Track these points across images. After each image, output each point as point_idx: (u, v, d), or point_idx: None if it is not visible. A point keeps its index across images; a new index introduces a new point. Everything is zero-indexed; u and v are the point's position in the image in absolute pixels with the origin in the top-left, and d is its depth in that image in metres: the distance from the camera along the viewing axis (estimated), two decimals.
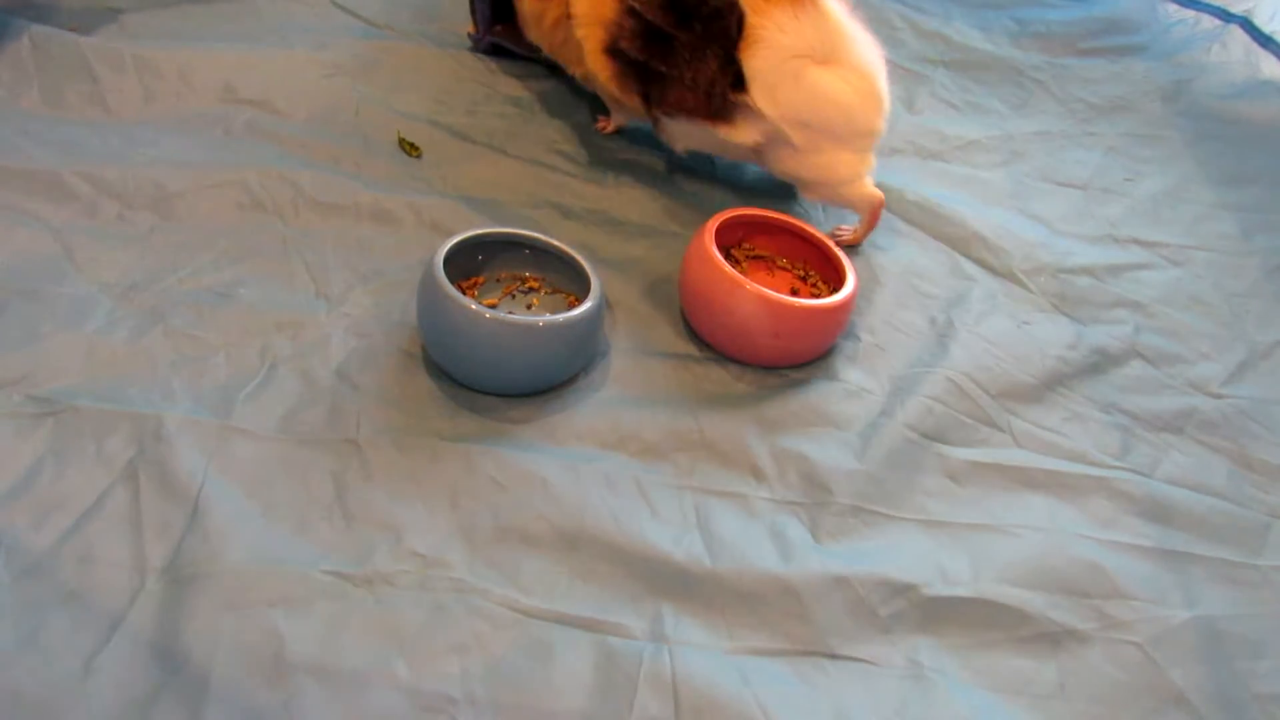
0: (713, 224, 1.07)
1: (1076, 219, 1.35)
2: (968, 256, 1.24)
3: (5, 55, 1.22)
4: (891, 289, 1.17)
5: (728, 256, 1.11)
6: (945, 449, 0.98)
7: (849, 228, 1.23)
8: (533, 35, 1.35)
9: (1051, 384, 1.07)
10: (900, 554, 0.87)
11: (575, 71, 1.30)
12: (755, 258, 1.15)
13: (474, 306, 0.89)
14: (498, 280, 1.05)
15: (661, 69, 1.12)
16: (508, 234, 1.03)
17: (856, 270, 1.08)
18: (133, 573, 0.75)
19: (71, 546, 0.76)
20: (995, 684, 0.79)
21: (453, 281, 0.92)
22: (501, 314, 0.90)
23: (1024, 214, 1.34)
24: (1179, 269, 1.28)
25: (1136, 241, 1.32)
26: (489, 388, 0.94)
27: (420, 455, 0.88)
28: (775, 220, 1.14)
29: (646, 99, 1.17)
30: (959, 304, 1.16)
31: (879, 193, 1.20)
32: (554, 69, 1.41)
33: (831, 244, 1.11)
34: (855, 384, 1.04)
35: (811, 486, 0.92)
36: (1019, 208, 1.35)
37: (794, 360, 1.04)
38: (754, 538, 0.86)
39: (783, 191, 1.29)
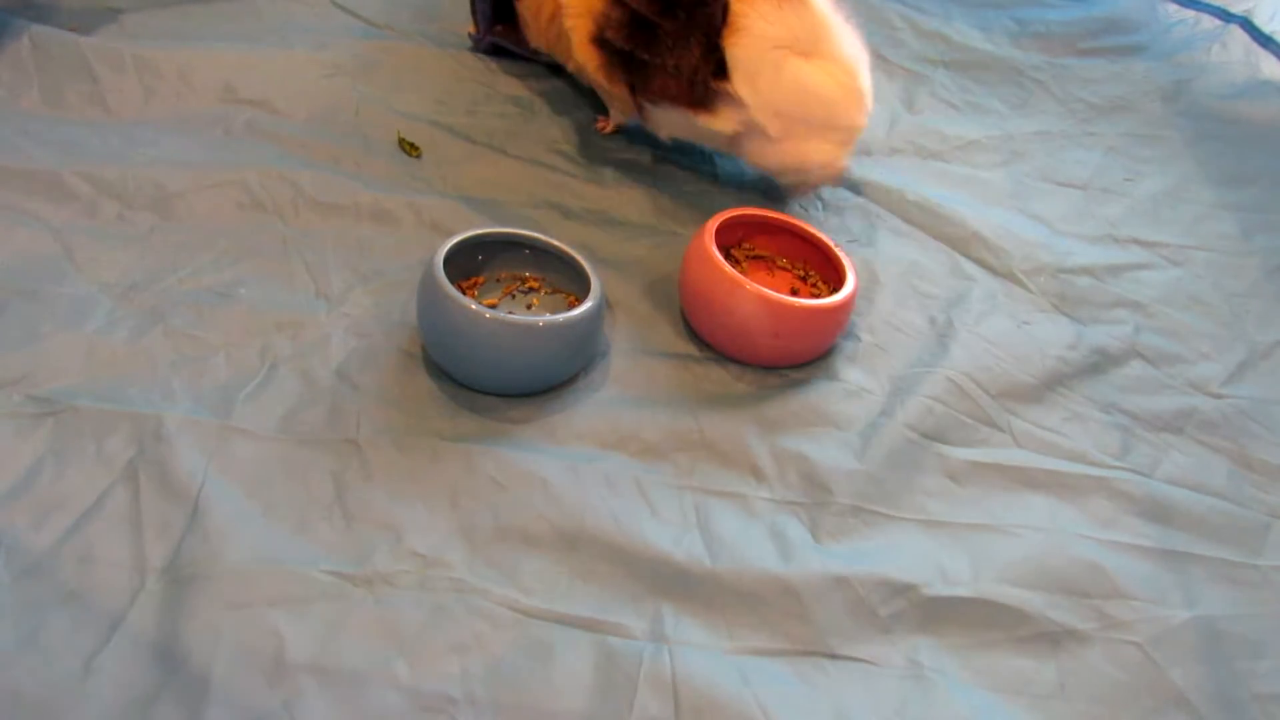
0: (713, 224, 1.07)
1: (1076, 219, 1.35)
2: (968, 256, 1.24)
3: (5, 55, 1.22)
4: (891, 289, 1.17)
5: (728, 256, 1.11)
6: (945, 449, 0.98)
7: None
8: (531, 33, 1.36)
9: (1051, 384, 1.07)
10: (900, 554, 0.87)
11: (571, 67, 1.30)
12: (755, 258, 1.15)
13: (474, 306, 0.89)
14: (498, 280, 1.05)
15: (645, 57, 1.13)
16: (508, 234, 1.03)
17: (856, 270, 1.08)
18: (133, 573, 0.75)
19: (71, 546, 0.76)
20: (995, 684, 0.79)
21: (453, 281, 0.92)
22: (501, 314, 0.90)
23: (1024, 214, 1.34)
24: (1179, 269, 1.28)
25: (1136, 241, 1.32)
26: (489, 388, 0.94)
27: (420, 455, 0.88)
28: (775, 220, 1.14)
29: (632, 89, 1.18)
30: (959, 304, 1.16)
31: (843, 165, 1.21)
32: (554, 69, 1.41)
33: (831, 244, 1.11)
34: (855, 384, 1.04)
35: (811, 486, 0.92)
36: (1019, 208, 1.35)
37: (794, 360, 1.04)
38: (754, 538, 0.86)
39: (782, 191, 1.29)
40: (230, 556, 0.77)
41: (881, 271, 1.19)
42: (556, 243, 1.03)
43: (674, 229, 1.21)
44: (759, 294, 0.99)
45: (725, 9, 1.09)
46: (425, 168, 1.22)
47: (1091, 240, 1.31)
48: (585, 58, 1.19)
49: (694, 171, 1.30)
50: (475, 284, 1.04)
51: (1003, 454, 0.98)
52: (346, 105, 1.29)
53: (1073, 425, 1.03)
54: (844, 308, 1.04)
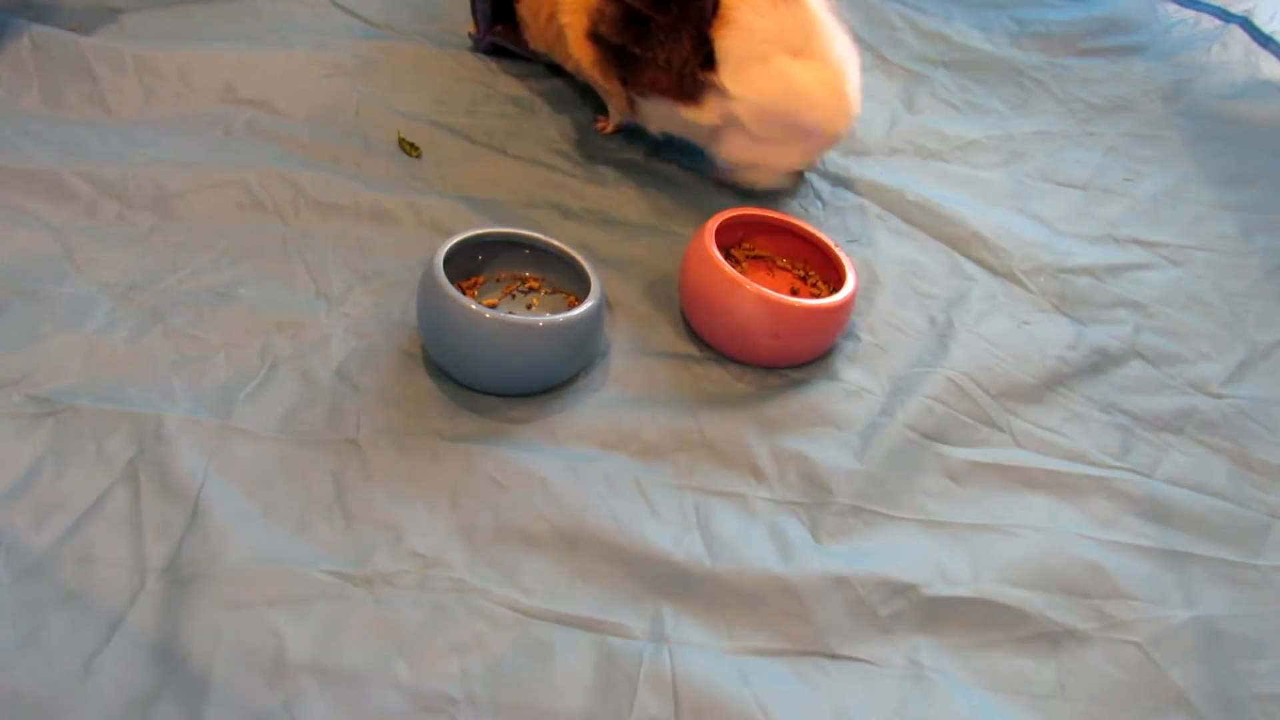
0: (713, 224, 1.07)
1: (1076, 219, 1.35)
2: (968, 256, 1.24)
3: (5, 55, 1.22)
4: (891, 289, 1.17)
5: (728, 256, 1.11)
6: (945, 449, 0.98)
7: None
8: (531, 34, 1.36)
9: (1051, 384, 1.07)
10: (900, 554, 0.87)
11: (570, 66, 1.30)
12: (755, 258, 1.15)
13: (474, 306, 0.89)
14: (498, 280, 1.05)
15: (638, 52, 1.13)
16: (508, 234, 1.03)
17: (856, 270, 1.08)
18: (133, 573, 0.75)
19: (71, 546, 0.76)
20: (995, 684, 0.79)
21: (453, 281, 0.92)
22: (501, 314, 0.90)
23: (1024, 214, 1.34)
24: (1179, 269, 1.28)
25: (1136, 241, 1.32)
26: (489, 388, 0.94)
27: (420, 455, 0.88)
28: (775, 220, 1.14)
29: (625, 83, 1.19)
30: (959, 304, 1.16)
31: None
32: (554, 69, 1.41)
33: (831, 244, 1.11)
34: (855, 384, 1.04)
35: (811, 486, 0.92)
36: (1019, 208, 1.35)
37: (794, 360, 1.04)
38: (754, 538, 0.86)
39: (783, 191, 1.29)
40: (230, 556, 0.77)
41: (881, 271, 1.19)
42: (556, 243, 1.03)
43: (674, 229, 1.21)
44: (759, 294, 0.99)
45: (717, 1, 1.09)
46: (425, 168, 1.22)
47: (1091, 240, 1.31)
48: (580, 54, 1.20)
49: (694, 171, 1.30)
50: (475, 284, 1.04)
51: (1003, 454, 0.98)
52: (346, 105, 1.29)
53: (1073, 425, 1.03)
54: (844, 308, 1.04)
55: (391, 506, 0.83)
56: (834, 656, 0.79)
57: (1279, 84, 1.66)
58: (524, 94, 1.39)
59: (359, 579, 0.78)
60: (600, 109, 1.36)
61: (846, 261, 1.08)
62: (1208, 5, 1.84)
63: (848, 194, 1.32)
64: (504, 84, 1.40)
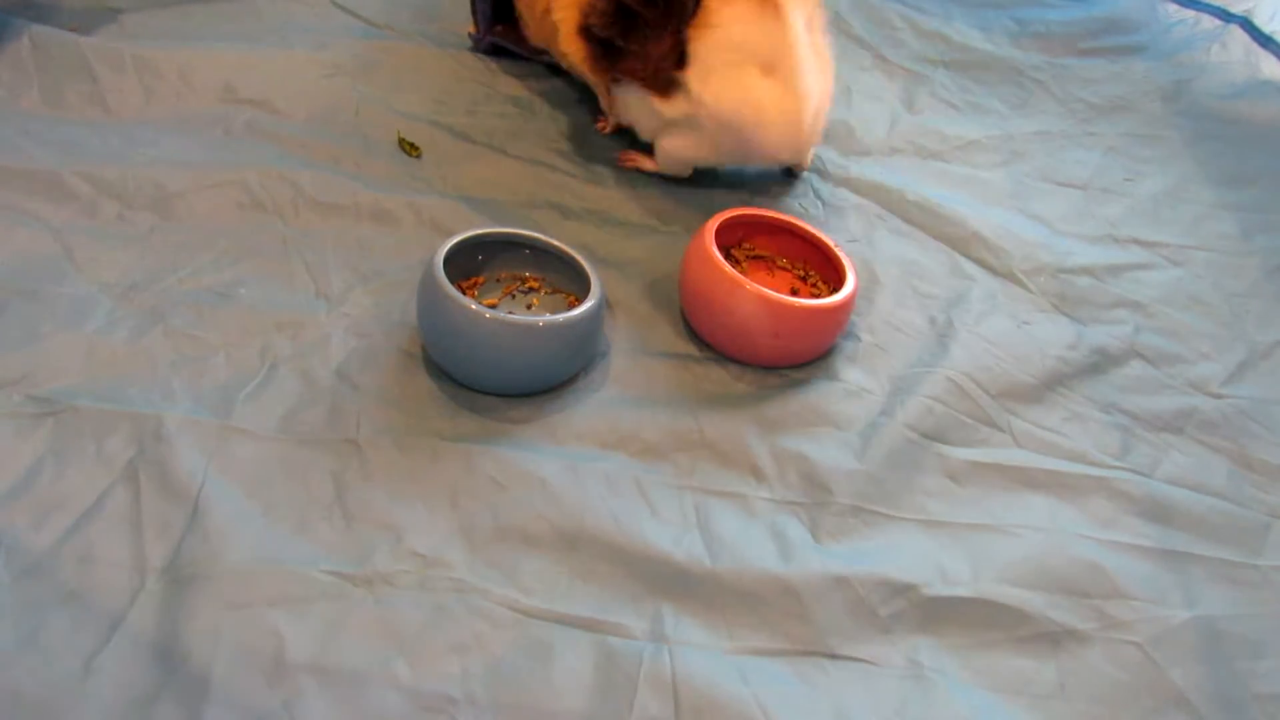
0: (713, 224, 1.07)
1: (1076, 219, 1.35)
2: (968, 256, 1.24)
3: (5, 55, 1.22)
4: (891, 289, 1.17)
5: (728, 256, 1.11)
6: (945, 449, 0.98)
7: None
8: (530, 32, 1.36)
9: (1051, 384, 1.07)
10: (900, 554, 0.87)
11: (566, 63, 1.31)
12: (755, 258, 1.15)
13: (474, 306, 0.89)
14: (498, 280, 1.05)
15: (623, 45, 1.15)
16: (508, 234, 1.03)
17: (856, 270, 1.08)
18: (133, 573, 0.75)
19: (71, 546, 0.76)
20: (995, 684, 0.79)
21: (453, 281, 0.92)
22: (501, 314, 0.90)
23: (1024, 214, 1.34)
24: (1179, 269, 1.28)
25: (1136, 241, 1.32)
26: (489, 388, 0.94)
27: (420, 455, 0.88)
28: (775, 220, 1.14)
29: (607, 72, 1.21)
30: (959, 304, 1.16)
31: None
32: (554, 69, 1.41)
33: (831, 244, 1.11)
34: (855, 384, 1.04)
35: (811, 486, 0.92)
36: (1019, 208, 1.35)
37: (794, 360, 1.04)
38: (754, 538, 0.86)
39: (783, 191, 1.29)
40: (230, 556, 0.77)
41: (881, 271, 1.19)
42: (556, 243, 1.03)
43: (674, 229, 1.21)
44: (759, 294, 0.99)
45: (698, 2, 1.11)
46: (425, 168, 1.22)
47: (1091, 240, 1.31)
48: (571, 49, 1.22)
49: (694, 171, 1.30)
50: (475, 284, 1.04)
51: (1003, 454, 0.98)
52: (346, 105, 1.29)
53: (1073, 425, 1.03)
54: (844, 308, 1.04)
55: (391, 506, 0.83)
56: (834, 656, 0.79)
57: (1279, 84, 1.66)
58: (524, 94, 1.39)
59: (359, 579, 0.78)
60: (600, 109, 1.36)
61: (846, 261, 1.08)
62: (1208, 5, 1.84)
63: (848, 194, 1.32)
64: (504, 84, 1.40)
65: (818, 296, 1.10)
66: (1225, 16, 1.80)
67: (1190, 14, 1.84)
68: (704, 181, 1.30)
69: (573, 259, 1.01)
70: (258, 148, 1.18)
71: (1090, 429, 1.03)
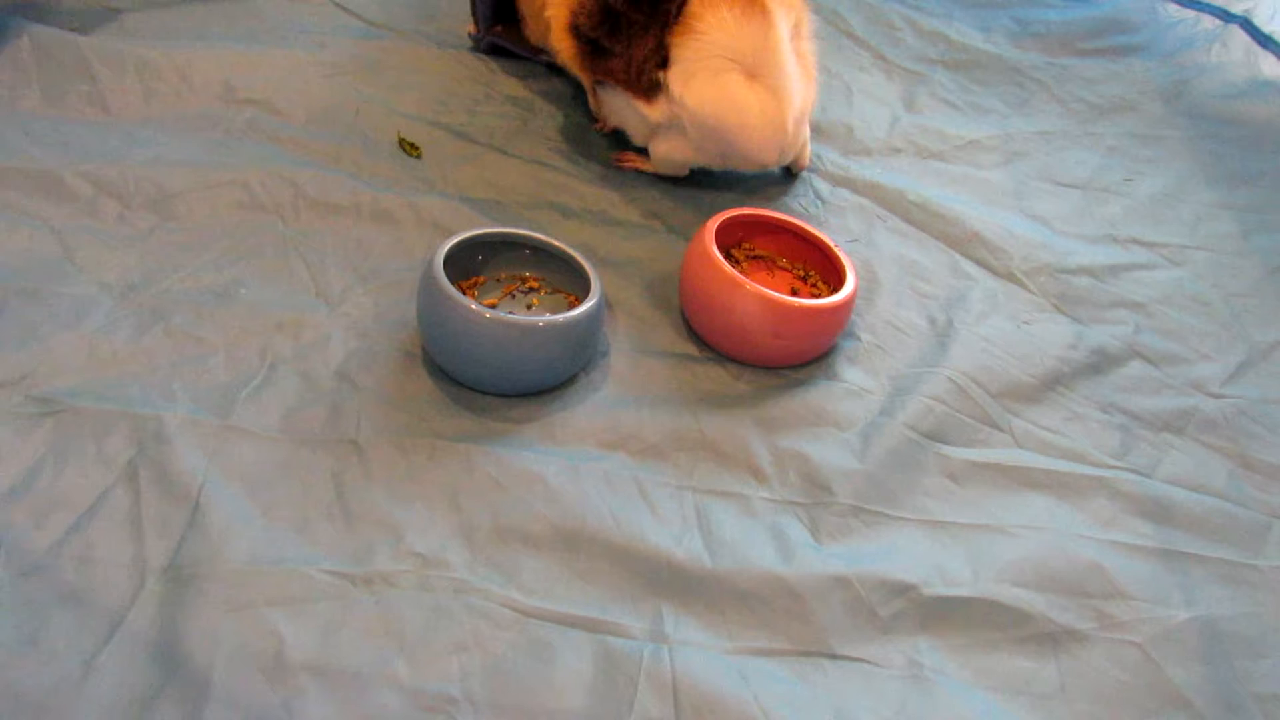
0: (713, 224, 1.07)
1: (1076, 219, 1.35)
2: (968, 256, 1.24)
3: (5, 55, 1.22)
4: (891, 289, 1.17)
5: (728, 256, 1.11)
6: (945, 449, 0.98)
7: None
8: (530, 30, 1.37)
9: (1051, 384, 1.07)
10: (900, 554, 0.87)
11: (559, 60, 1.31)
12: (755, 258, 1.15)
13: (474, 306, 0.89)
14: (498, 280, 1.05)
15: (608, 45, 1.16)
16: (508, 234, 1.03)
17: (856, 270, 1.08)
18: (133, 573, 0.75)
19: (71, 546, 0.76)
20: (995, 684, 0.79)
21: (453, 281, 0.92)
22: (501, 314, 0.90)
23: (1024, 214, 1.34)
24: (1179, 269, 1.28)
25: (1136, 241, 1.32)
26: (489, 388, 0.94)
27: (420, 455, 0.88)
28: (775, 220, 1.14)
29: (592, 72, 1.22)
30: (959, 304, 1.16)
31: None
32: (554, 69, 1.41)
33: (831, 244, 1.11)
34: (855, 384, 1.04)
35: (811, 486, 0.92)
36: (1019, 208, 1.35)
37: (794, 360, 1.04)
38: (754, 538, 0.86)
39: (782, 191, 1.29)
40: (230, 556, 0.77)
41: (881, 271, 1.19)
42: (556, 243, 1.03)
43: (674, 229, 1.21)
44: (759, 294, 0.99)
45: (681, 6, 1.11)
46: (425, 168, 1.22)
47: (1091, 240, 1.31)
48: (561, 46, 1.23)
49: (694, 172, 1.30)
50: (475, 284, 1.04)
51: (1003, 454, 0.98)
52: (346, 105, 1.29)
53: (1073, 425, 1.03)
54: (844, 308, 1.04)
55: (391, 506, 0.83)
56: (834, 657, 0.79)
57: (1279, 84, 1.66)
58: (524, 94, 1.39)
59: (359, 579, 0.78)
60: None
61: (846, 261, 1.08)
62: (1208, 5, 1.84)
63: (848, 194, 1.32)
64: (504, 84, 1.40)
65: (818, 296, 1.10)
66: (1225, 16, 1.80)
67: (1190, 14, 1.84)
68: (703, 181, 1.30)
69: (573, 259, 1.01)
70: (258, 148, 1.18)
71: (1090, 429, 1.03)
